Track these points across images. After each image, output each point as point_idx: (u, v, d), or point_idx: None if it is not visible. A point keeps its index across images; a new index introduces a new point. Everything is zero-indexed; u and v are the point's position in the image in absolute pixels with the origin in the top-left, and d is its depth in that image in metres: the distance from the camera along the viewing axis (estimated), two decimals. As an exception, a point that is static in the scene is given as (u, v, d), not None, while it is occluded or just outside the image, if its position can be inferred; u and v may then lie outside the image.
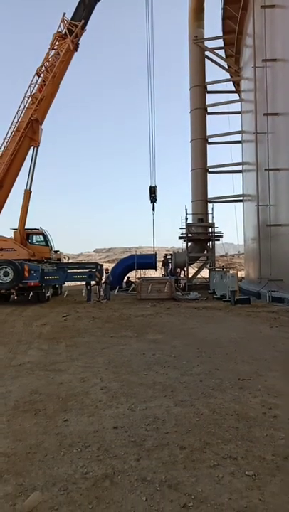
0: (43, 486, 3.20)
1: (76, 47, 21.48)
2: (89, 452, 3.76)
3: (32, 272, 18.04)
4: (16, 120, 20.37)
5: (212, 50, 30.23)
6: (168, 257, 28.84)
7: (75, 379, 6.25)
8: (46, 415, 4.75)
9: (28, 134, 20.28)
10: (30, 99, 20.52)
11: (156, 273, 29.37)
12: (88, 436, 4.11)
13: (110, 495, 3.06)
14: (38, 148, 21.08)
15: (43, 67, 20.91)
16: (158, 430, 4.22)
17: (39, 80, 20.83)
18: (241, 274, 29.95)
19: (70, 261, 29.87)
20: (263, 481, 3.24)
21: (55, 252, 24.01)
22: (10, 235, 20.50)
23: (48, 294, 19.65)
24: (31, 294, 18.77)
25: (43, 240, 21.49)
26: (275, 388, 5.60)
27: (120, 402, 5.10)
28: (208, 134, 29.67)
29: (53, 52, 21.15)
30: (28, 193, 20.56)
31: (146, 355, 7.82)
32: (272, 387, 5.63)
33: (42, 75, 20.81)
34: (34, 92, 20.62)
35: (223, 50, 31.02)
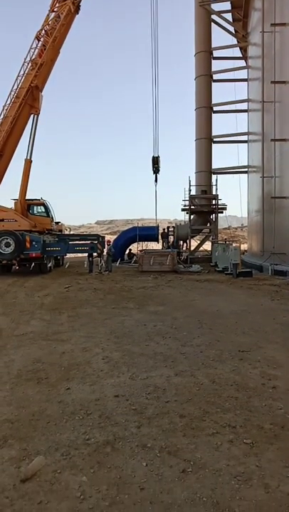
0: (46, 451, 3.29)
1: (77, 9, 20.55)
2: (91, 419, 3.84)
3: (33, 243, 18.02)
4: (15, 87, 19.78)
5: (219, 13, 28.87)
6: (170, 229, 28.73)
7: (77, 349, 6.34)
8: (49, 384, 4.84)
9: (28, 101, 19.74)
10: (30, 64, 19.85)
11: (158, 245, 29.34)
12: (90, 404, 4.20)
13: (111, 460, 3.15)
14: (38, 116, 20.59)
15: (43, 31, 20.10)
16: (158, 399, 4.30)
17: (39, 45, 20.07)
18: (244, 247, 29.90)
19: (71, 232, 29.84)
20: (260, 448, 3.32)
21: (57, 223, 23.89)
22: (10, 205, 20.38)
23: (50, 265, 19.71)
24: (33, 265, 18.80)
25: (44, 210, 21.34)
26: (274, 360, 5.67)
27: (122, 372, 5.18)
28: (213, 102, 28.82)
29: (53, 14, 20.26)
30: (28, 163, 20.23)
31: (148, 326, 7.90)
32: (271, 359, 5.70)
33: (42, 39, 20.04)
34: (34, 57, 19.92)
35: (230, 14, 29.69)
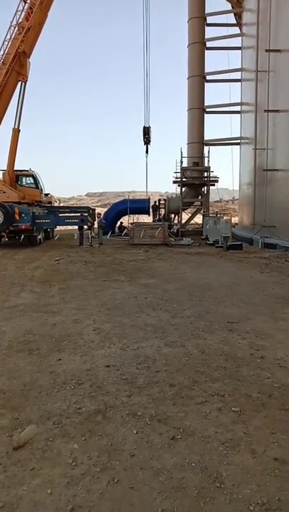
0: (37, 420, 3.33)
1: None
2: (82, 389, 3.89)
3: (23, 215, 17.76)
4: (1, 52, 18.91)
5: (214, -26, 27.65)
6: (161, 202, 28.52)
7: (68, 320, 6.36)
8: (40, 354, 4.86)
9: (15, 67, 18.94)
10: (16, 28, 18.90)
11: (150, 218, 29.16)
12: (81, 374, 4.25)
13: (102, 428, 3.21)
14: (26, 83, 19.82)
15: (30, -8, 19.04)
16: (149, 369, 4.37)
17: (26, 7, 19.03)
18: (235, 220, 29.90)
19: (61, 204, 29.42)
20: (248, 416, 3.41)
21: (46, 195, 23.53)
22: (-1, 176, 19.92)
23: (40, 238, 19.53)
24: (22, 237, 18.59)
25: (33, 182, 20.94)
26: (262, 331, 5.77)
27: (112, 343, 5.23)
28: (206, 70, 28.01)
29: (40, -26, 19.15)
30: (16, 132, 19.65)
31: (138, 298, 7.94)
32: (260, 330, 5.79)
33: (29, 1, 18.98)
34: (21, 20, 18.93)
35: (225, -24, 28.46)
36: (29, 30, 18.56)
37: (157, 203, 28.16)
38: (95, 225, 20.36)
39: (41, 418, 3.37)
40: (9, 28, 18.74)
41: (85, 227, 19.82)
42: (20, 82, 19.44)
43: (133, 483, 2.58)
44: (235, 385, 3.99)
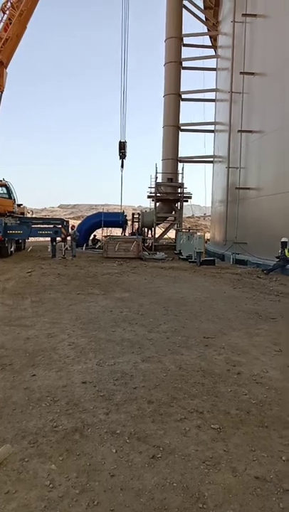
0: (12, 439, 3.19)
1: (45, -19, 19.63)
2: (58, 406, 3.77)
3: (-6, 225, 17.35)
4: (-22, 61, 18.74)
5: (191, -1, 28.65)
6: (135, 216, 28.67)
7: (42, 334, 6.19)
8: (13, 370, 4.69)
9: (-8, 77, 18.81)
10: None
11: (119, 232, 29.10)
12: (57, 390, 4.12)
13: (80, 447, 3.10)
14: (2, 93, 19.70)
15: (9, 3, 19.05)
16: (126, 385, 4.29)
17: (4, 18, 19.02)
18: (207, 236, 30.39)
19: (33, 215, 28.99)
20: (227, 433, 3.39)
21: (19, 205, 23.14)
22: None
23: (11, 249, 19.10)
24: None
25: (6, 192, 20.56)
26: (238, 346, 5.82)
27: (88, 358, 5.12)
28: (182, 89, 28.74)
29: (18, -15, 19.21)
30: (-10, 141, 19.33)
31: (114, 312, 7.86)
32: (235, 346, 5.84)
33: (7, 12, 18.98)
34: (-1, 31, 18.89)
35: (202, 1, 29.54)
36: (7, 41, 18.50)
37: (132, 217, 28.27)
38: (68, 238, 20.15)
39: (16, 437, 3.22)
40: (-13, 37, 18.58)
41: (58, 239, 19.57)
42: (-4, 92, 19.27)
43: (114, 505, 2.49)
44: (214, 401, 3.98)
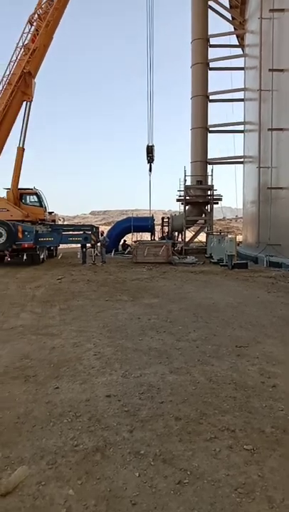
0: (30, 459, 3.03)
1: (71, -8, 19.91)
2: (80, 422, 3.59)
3: (26, 233, 17.64)
4: (7, 73, 19.18)
5: (216, -1, 28.24)
6: (165, 220, 28.43)
7: (67, 344, 6.07)
8: (37, 382, 4.57)
9: (21, 87, 19.17)
10: (22, 49, 19.22)
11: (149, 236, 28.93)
12: (80, 405, 3.94)
13: (101, 469, 2.90)
14: (31, 103, 20.03)
15: (36, 15, 19.43)
16: (152, 399, 4.06)
17: (32, 29, 19.42)
18: (239, 238, 29.71)
19: (65, 223, 29.39)
20: (262, 455, 3.08)
21: (50, 213, 23.47)
22: (3, 194, 19.91)
23: (42, 256, 19.34)
24: (25, 255, 18.39)
25: (36, 200, 20.90)
26: (273, 356, 5.45)
27: (114, 369, 4.93)
28: (209, 90, 28.33)
29: (45, -2, 19.59)
30: (21, 151, 19.73)
31: (142, 319, 7.64)
32: (270, 355, 5.47)
33: (35, 24, 19.38)
34: (26, 42, 19.29)
35: (227, 0, 29.06)
36: (35, 52, 18.87)
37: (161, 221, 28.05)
38: (98, 243, 20.19)
39: (34, 457, 3.06)
40: (15, 49, 19.05)
41: (88, 245, 19.65)
42: (25, 102, 19.65)
43: (135, 539, 2.26)
44: (247, 418, 3.67)
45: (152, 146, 25.21)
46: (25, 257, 18.27)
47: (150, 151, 25.13)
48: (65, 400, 4.05)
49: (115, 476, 2.82)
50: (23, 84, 19.16)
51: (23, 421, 3.64)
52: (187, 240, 27.23)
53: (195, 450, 3.14)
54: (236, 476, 2.82)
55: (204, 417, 3.69)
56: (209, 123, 28.45)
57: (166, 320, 7.58)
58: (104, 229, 28.33)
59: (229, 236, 19.80)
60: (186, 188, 25.91)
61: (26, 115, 19.84)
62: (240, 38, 29.78)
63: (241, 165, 29.06)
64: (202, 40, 27.84)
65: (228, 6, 29.30)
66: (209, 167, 27.22)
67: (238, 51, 30.13)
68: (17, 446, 3.21)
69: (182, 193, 26.12)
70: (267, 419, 3.65)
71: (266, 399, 4.07)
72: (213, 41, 28.81)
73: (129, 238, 27.94)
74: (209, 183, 26.35)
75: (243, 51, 29.36)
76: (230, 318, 7.68)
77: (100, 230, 22.51)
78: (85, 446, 3.19)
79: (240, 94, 28.49)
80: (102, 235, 21.18)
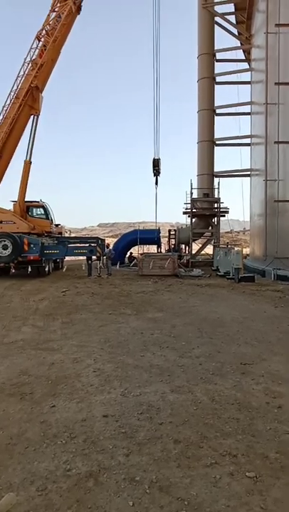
0: (19, 484, 2.88)
1: (78, 9, 20.30)
2: (74, 445, 3.43)
3: (31, 245, 17.65)
4: (15, 87, 19.49)
5: (222, 15, 28.61)
6: (172, 232, 28.34)
7: (67, 359, 5.93)
8: (33, 400, 4.42)
9: (28, 101, 19.45)
10: (30, 64, 19.55)
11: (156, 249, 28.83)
12: (75, 425, 3.78)
13: (93, 497, 2.73)
14: (38, 116, 20.28)
15: (44, 31, 19.82)
16: (151, 420, 3.88)
17: (39, 45, 19.80)
18: (246, 251, 29.46)
19: (72, 235, 29.46)
20: (265, 484, 2.90)
21: (56, 225, 23.54)
22: (9, 207, 20.02)
23: (48, 268, 19.29)
24: (30, 268, 18.36)
25: (43, 212, 20.99)
26: (279, 374, 5.24)
27: (113, 387, 4.76)
28: (216, 104, 28.51)
29: (53, 14, 19.99)
30: (28, 164, 19.89)
31: (145, 334, 7.48)
32: (276, 373, 5.27)
33: (42, 39, 19.76)
34: (34, 57, 19.63)
35: (233, 16, 29.43)
36: (42, 66, 19.18)
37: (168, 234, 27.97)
38: (104, 256, 20.13)
39: (24, 482, 2.90)
40: (23, 64, 19.39)
41: (94, 257, 19.59)
42: (32, 116, 19.89)
43: None
44: (250, 442, 3.48)
45: (158, 159, 25.26)
46: (30, 269, 18.25)
47: (156, 164, 25.17)
48: (61, 420, 3.89)
49: (108, 505, 2.66)
50: (30, 99, 19.44)
51: (16, 442, 3.49)
52: (193, 252, 27.08)
53: (194, 477, 2.97)
54: (237, 508, 2.64)
55: (205, 440, 3.51)
56: (216, 136, 28.55)
57: (169, 335, 7.40)
58: (111, 241, 28.34)
59: (236, 249, 19.62)
60: (193, 200, 25.87)
61: (33, 129, 20.07)
62: (247, 52, 30.05)
63: (248, 178, 29.04)
64: (208, 55, 28.14)
65: (234, 22, 29.68)
66: (216, 180, 27.22)
67: (245, 65, 30.39)
68: (7, 470, 3.06)
69: (189, 206, 26.08)
70: (271, 443, 3.46)
71: (271, 421, 3.88)
72: (219, 56, 29.14)
73: (135, 251, 27.88)
74: (216, 196, 26.29)
75: (249, 65, 29.60)
76: (235, 334, 7.48)
77: (106, 242, 22.49)
78: (78, 471, 3.03)
79: (246, 108, 28.64)
80: (107, 247, 21.14)
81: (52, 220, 21.70)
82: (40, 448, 3.38)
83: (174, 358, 5.96)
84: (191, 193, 25.68)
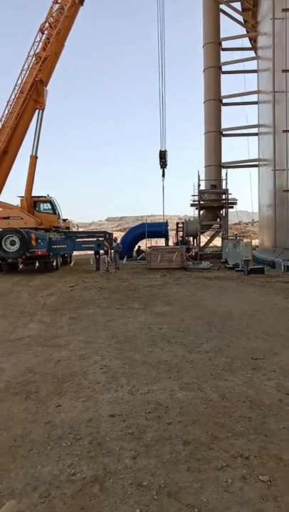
0: (21, 490, 2.76)
1: (82, 0, 19.98)
2: (79, 447, 3.30)
3: (39, 240, 17.59)
4: (19, 81, 19.30)
5: (227, 2, 27.98)
6: (179, 225, 28.09)
7: (74, 356, 5.81)
8: (38, 399, 4.31)
9: (33, 96, 19.27)
10: (34, 58, 19.33)
11: (169, 242, 28.61)
12: (81, 426, 3.66)
13: (98, 505, 2.60)
14: (43, 111, 20.08)
15: (47, 24, 19.54)
16: (160, 419, 3.75)
17: (43, 38, 19.53)
18: (255, 242, 29.11)
19: (79, 229, 29.39)
20: (279, 488, 2.74)
21: (64, 220, 23.46)
22: (16, 202, 19.97)
23: (54, 264, 19.22)
24: (37, 263, 18.32)
25: (50, 207, 20.88)
26: (292, 369, 5.06)
27: (120, 385, 4.63)
28: (222, 94, 28.00)
29: (56, 6, 19.68)
30: (34, 159, 19.76)
31: (153, 329, 7.34)
32: (288, 368, 5.09)
33: (46, 32, 19.48)
34: (38, 50, 19.39)
35: (239, 3, 28.76)
36: (46, 60, 18.94)
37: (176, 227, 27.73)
38: (112, 250, 20.00)
39: (26, 488, 2.79)
40: (27, 58, 19.17)
41: (102, 251, 19.47)
42: (37, 110, 19.71)
43: None
44: (263, 442, 3.33)
45: (165, 151, 24.91)
46: (37, 265, 18.21)
47: (163, 156, 24.83)
48: (66, 420, 3.77)
49: (113, 512, 2.53)
50: (35, 93, 19.25)
51: (19, 444, 3.38)
52: (202, 245, 26.81)
53: (204, 481, 2.82)
54: (250, 515, 2.49)
55: (215, 441, 3.36)
56: (223, 126, 28.09)
57: (178, 329, 7.25)
58: (119, 235, 28.18)
59: (244, 240, 19.35)
60: (200, 192, 25.54)
61: (39, 123, 19.89)
62: (253, 40, 29.42)
63: (256, 168, 28.59)
64: (214, 43, 27.58)
65: (240, 9, 29.03)
66: (223, 171, 26.82)
67: (251, 54, 29.76)
68: (9, 475, 2.95)
69: (196, 198, 25.76)
70: (285, 443, 3.30)
71: (284, 419, 3.72)
72: (225, 44, 28.53)
73: (143, 244, 27.71)
74: (224, 187, 25.93)
75: (255, 53, 28.98)
76: (245, 328, 7.30)
77: (113, 236, 22.35)
78: (82, 475, 2.91)
79: (253, 97, 28.09)
80: (115, 241, 21.00)
81: (59, 214, 21.60)
82: (45, 451, 3.26)
83: (182, 353, 5.81)
84: (199, 185, 25.35)
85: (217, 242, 28.64)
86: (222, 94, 28.08)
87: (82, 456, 3.16)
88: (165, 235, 26.18)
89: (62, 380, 4.84)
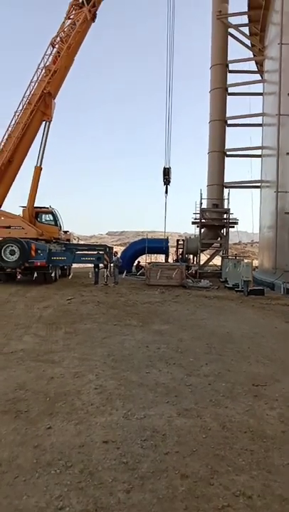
0: (4, 524, 2.53)
1: (93, 17, 20.34)
2: (69, 475, 3.07)
3: (39, 251, 17.42)
4: (28, 93, 19.47)
5: (236, 26, 28.54)
6: (180, 242, 28.01)
7: (68, 373, 5.59)
8: (28, 419, 4.08)
9: (40, 107, 19.41)
10: (43, 70, 19.55)
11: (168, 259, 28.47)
12: (72, 451, 3.43)
13: None
14: (50, 123, 20.20)
15: (58, 38, 19.85)
16: (156, 449, 3.52)
17: (54, 51, 19.82)
18: (255, 263, 29.00)
19: (80, 242, 29.26)
20: (285, 534, 2.52)
21: (65, 232, 23.36)
22: (18, 212, 19.89)
23: (53, 275, 19.01)
24: (35, 274, 18.09)
25: (52, 219, 20.80)
26: (295, 398, 4.85)
27: (115, 408, 4.40)
28: (227, 115, 28.29)
29: (68, 21, 20.04)
30: (38, 170, 19.79)
31: (150, 348, 7.12)
32: (291, 397, 4.88)
33: (57, 46, 19.78)
34: (48, 63, 19.64)
35: (247, 28, 29.36)
36: (55, 73, 19.16)
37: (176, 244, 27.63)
38: (111, 264, 19.82)
39: (9, 522, 2.56)
40: (36, 70, 19.38)
41: (101, 265, 19.29)
42: (44, 122, 19.83)
43: None
44: (266, 479, 3.10)
45: (169, 168, 25.04)
46: (35, 275, 18.00)
47: (167, 173, 24.93)
48: (57, 445, 3.55)
49: None
50: (42, 105, 19.40)
51: (5, 470, 3.14)
52: (202, 263, 26.66)
53: (203, 522, 2.59)
54: None
55: (215, 475, 3.13)
56: (227, 147, 28.30)
57: (176, 350, 7.03)
58: (120, 249, 28.04)
59: (245, 261, 19.24)
60: (202, 210, 25.53)
61: (45, 135, 19.98)
62: (259, 64, 29.93)
63: (258, 190, 28.69)
64: (221, 65, 28.01)
65: (247, 34, 29.61)
66: (226, 191, 26.89)
67: (257, 77, 30.24)
68: (-8, 505, 2.72)
69: (198, 216, 25.75)
70: (290, 482, 3.08)
71: (288, 454, 3.49)
72: (232, 67, 28.99)
73: (143, 259, 27.55)
74: (225, 207, 25.95)
75: (261, 77, 29.44)
76: (245, 351, 7.08)
77: (113, 250, 22.21)
78: (71, 510, 2.68)
79: (258, 120, 28.39)
80: (115, 255, 20.85)
81: (60, 226, 21.50)
82: (32, 478, 3.03)
83: (181, 376, 5.59)
84: (201, 203, 25.37)
85: (216, 261, 28.51)
86: (227, 115, 28.38)
87: (71, 486, 2.93)
88: (165, 252, 26.06)
89: (54, 400, 4.61)
